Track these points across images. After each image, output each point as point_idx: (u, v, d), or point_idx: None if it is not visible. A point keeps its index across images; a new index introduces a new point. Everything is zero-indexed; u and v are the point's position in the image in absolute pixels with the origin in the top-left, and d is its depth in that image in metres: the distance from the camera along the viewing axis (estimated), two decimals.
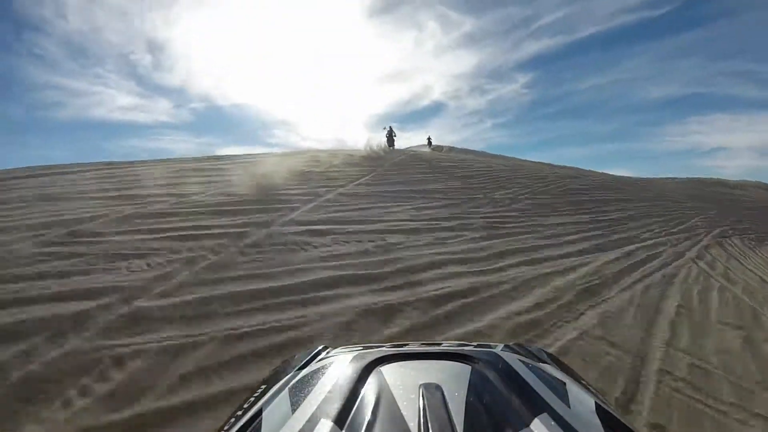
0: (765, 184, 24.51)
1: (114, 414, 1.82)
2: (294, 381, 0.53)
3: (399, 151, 15.51)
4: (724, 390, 2.69)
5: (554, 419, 0.42)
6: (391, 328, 2.82)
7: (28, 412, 1.79)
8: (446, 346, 0.62)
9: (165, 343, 2.33)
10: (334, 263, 3.82)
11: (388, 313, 3.00)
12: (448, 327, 2.96)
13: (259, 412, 0.47)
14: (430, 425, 0.38)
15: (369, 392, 0.46)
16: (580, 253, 5.46)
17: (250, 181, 7.03)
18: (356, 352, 0.57)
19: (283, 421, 0.43)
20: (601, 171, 21.62)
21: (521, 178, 11.82)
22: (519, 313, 3.30)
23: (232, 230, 4.42)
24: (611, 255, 5.55)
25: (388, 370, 0.50)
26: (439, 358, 0.55)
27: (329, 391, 0.47)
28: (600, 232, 7.03)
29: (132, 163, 8.82)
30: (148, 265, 3.36)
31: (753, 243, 8.99)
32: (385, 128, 16.22)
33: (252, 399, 0.53)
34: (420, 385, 0.45)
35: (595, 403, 0.48)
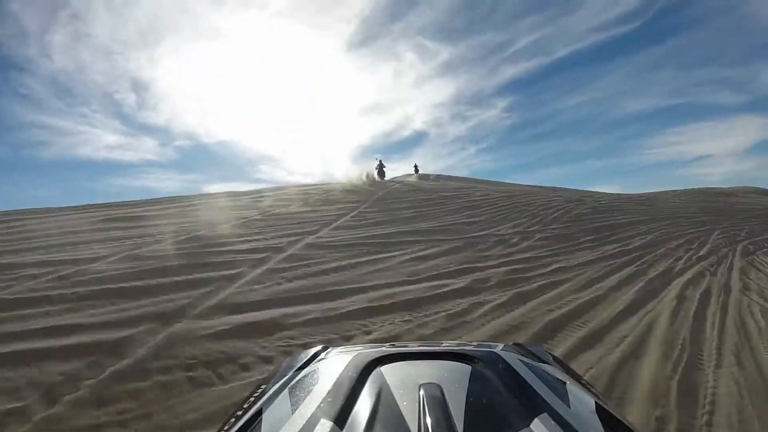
0: (755, 188, 24.53)
1: None
2: (294, 381, 0.52)
3: (389, 180, 15.92)
4: None
5: (554, 419, 0.40)
6: None
7: None
8: (446, 345, 0.60)
9: None
10: None
11: None
12: None
13: (260, 412, 0.46)
14: (430, 425, 0.37)
15: (369, 392, 0.45)
16: (636, 305, 4.18)
17: (189, 232, 5.57)
18: (356, 352, 0.55)
19: (283, 420, 0.43)
20: (590, 189, 21.12)
21: (522, 205, 10.77)
22: None
23: (106, 337, 2.66)
24: (666, 304, 4.28)
25: (388, 370, 0.49)
26: (439, 358, 0.53)
27: (329, 391, 0.46)
28: (635, 268, 5.83)
29: (48, 209, 7.11)
30: None
31: None
32: (376, 159, 17.45)
33: (252, 399, 0.52)
34: (420, 385, 0.44)
35: (595, 403, 0.47)
